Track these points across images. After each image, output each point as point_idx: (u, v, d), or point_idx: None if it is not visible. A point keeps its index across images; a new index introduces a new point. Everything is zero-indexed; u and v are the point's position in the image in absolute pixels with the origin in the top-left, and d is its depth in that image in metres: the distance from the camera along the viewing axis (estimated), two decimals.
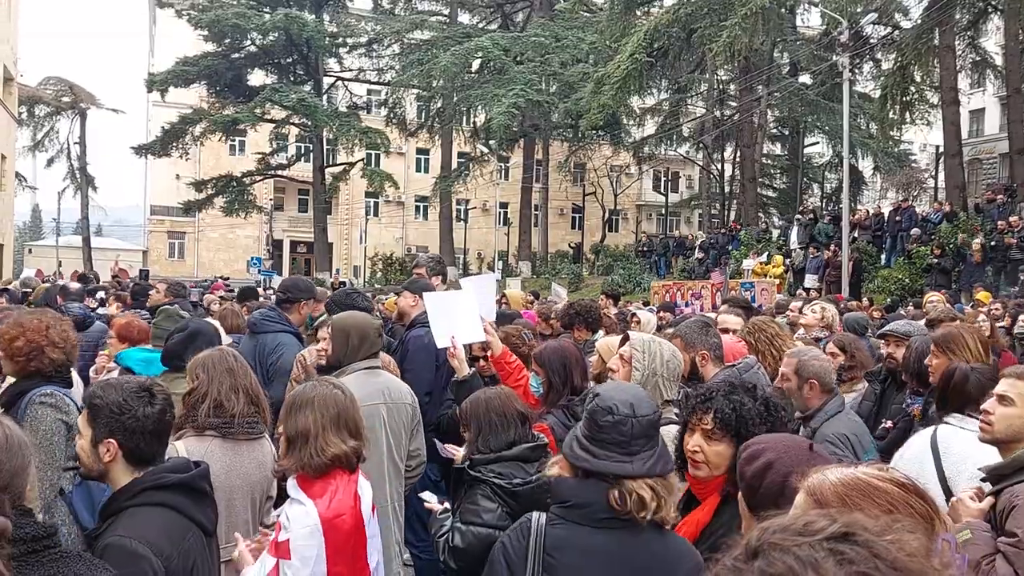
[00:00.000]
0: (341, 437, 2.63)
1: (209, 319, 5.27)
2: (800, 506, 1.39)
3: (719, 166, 38.93)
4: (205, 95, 39.00)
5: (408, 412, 3.92)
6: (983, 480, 2.74)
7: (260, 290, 8.94)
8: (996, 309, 11.37)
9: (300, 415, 2.64)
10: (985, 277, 17.37)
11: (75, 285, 9.99)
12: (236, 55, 38.58)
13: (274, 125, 38.78)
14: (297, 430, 2.62)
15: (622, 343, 3.51)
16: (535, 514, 2.32)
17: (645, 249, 32.61)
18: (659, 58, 28.31)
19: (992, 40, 31.07)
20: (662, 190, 44.56)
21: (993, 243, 17.65)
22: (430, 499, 3.12)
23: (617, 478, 2.20)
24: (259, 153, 40.96)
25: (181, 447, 2.80)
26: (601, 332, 6.09)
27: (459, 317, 4.40)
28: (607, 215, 45.42)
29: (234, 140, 44.04)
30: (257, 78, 39.73)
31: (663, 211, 44.83)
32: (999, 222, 18.25)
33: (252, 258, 39.60)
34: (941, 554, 0.86)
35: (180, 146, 37.61)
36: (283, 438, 2.68)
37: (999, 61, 29.26)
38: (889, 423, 4.36)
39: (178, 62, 36.46)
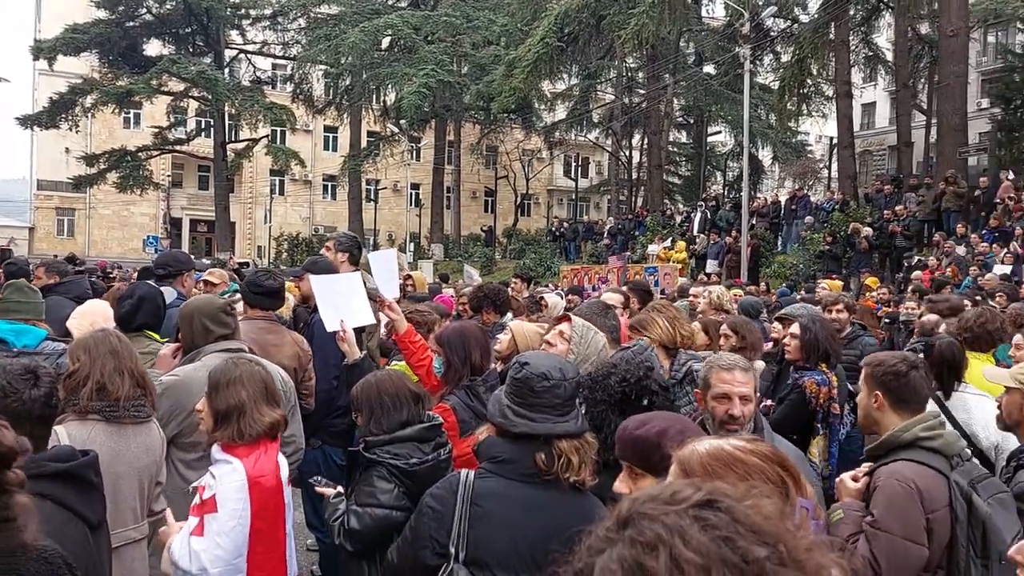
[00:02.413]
0: (271, 407, 2.89)
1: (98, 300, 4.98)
2: (672, 475, 1.47)
3: (627, 153, 39.63)
4: (97, 65, 36.96)
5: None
6: (863, 460, 2.88)
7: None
8: (883, 294, 12.18)
9: (231, 391, 2.83)
10: (872, 264, 18.32)
11: None
12: (130, 23, 36.84)
13: (172, 98, 37.24)
14: (229, 405, 2.81)
15: (560, 322, 3.68)
16: (463, 471, 2.46)
17: (557, 233, 32.97)
18: (570, 43, 28.56)
19: (884, 36, 32.71)
20: (572, 175, 45.13)
21: (879, 231, 18.61)
22: (321, 484, 3.10)
23: (548, 440, 2.36)
24: (156, 127, 39.24)
25: (62, 432, 2.65)
26: (509, 315, 6.12)
27: (348, 300, 4.32)
28: (519, 199, 45.67)
29: (128, 113, 42.24)
30: (153, 48, 38.05)
31: (573, 196, 45.38)
32: (886, 211, 19.24)
33: (148, 237, 38.06)
34: (795, 517, 0.91)
35: (69, 118, 35.69)
36: (208, 412, 2.85)
37: (890, 57, 30.77)
38: (769, 401, 4.56)
39: (67, 29, 34.53)
